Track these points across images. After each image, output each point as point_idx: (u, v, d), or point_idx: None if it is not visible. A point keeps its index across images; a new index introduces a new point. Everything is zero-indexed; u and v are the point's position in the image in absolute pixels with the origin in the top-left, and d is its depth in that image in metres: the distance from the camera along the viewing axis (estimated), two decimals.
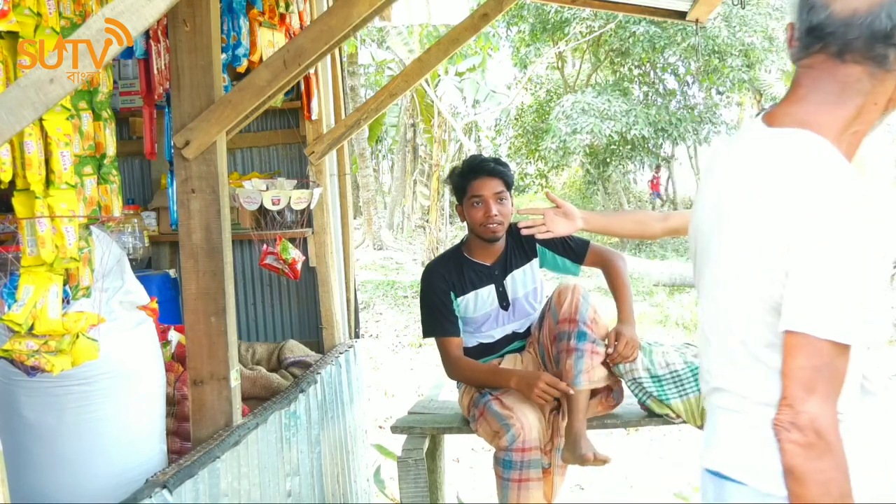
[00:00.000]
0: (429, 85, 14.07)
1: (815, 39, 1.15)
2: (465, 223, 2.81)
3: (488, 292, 2.77)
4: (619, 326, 2.63)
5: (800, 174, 1.11)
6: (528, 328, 2.83)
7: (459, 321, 2.79)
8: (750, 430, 1.18)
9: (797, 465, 1.07)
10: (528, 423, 2.49)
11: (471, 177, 2.72)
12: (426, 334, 2.82)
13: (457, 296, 2.77)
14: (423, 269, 2.92)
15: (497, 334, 2.81)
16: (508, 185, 2.73)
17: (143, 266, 4.07)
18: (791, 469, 1.08)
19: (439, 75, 14.67)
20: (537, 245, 2.79)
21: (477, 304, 2.77)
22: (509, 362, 2.79)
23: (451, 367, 2.76)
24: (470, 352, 2.83)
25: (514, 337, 2.82)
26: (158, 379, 2.31)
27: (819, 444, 1.06)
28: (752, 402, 1.18)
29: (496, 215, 2.68)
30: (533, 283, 2.82)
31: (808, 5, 1.16)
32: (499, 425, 2.55)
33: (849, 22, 1.12)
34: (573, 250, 2.81)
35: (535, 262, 2.83)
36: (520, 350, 2.83)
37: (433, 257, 16.31)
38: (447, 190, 16.94)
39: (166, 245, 4.20)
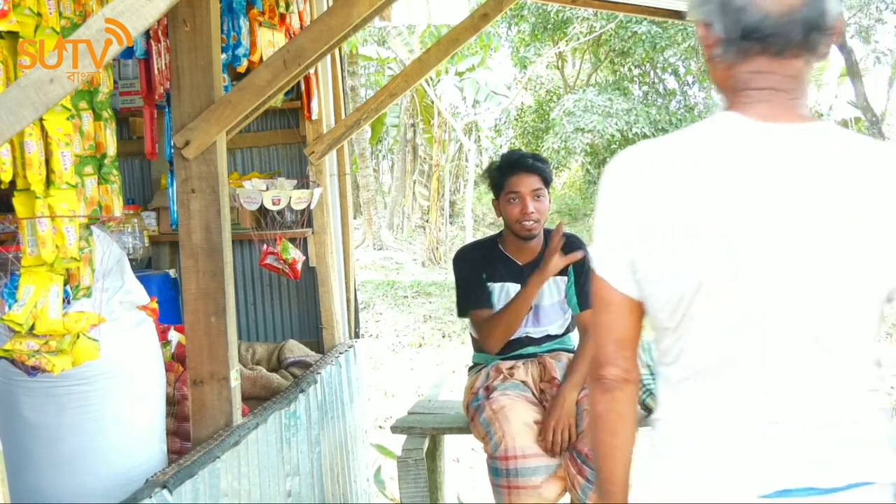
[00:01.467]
0: (429, 85, 14.07)
1: (754, 42, 1.11)
2: (489, 219, 2.79)
3: (513, 290, 2.70)
4: (564, 388, 2.54)
5: (884, 162, 1.10)
6: (545, 336, 2.78)
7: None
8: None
9: None
10: (511, 430, 2.45)
11: (509, 172, 2.66)
12: (461, 312, 2.73)
13: (486, 280, 2.72)
14: (455, 254, 2.87)
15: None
16: (546, 182, 2.66)
17: (143, 266, 4.07)
18: None
19: (440, 74, 14.67)
20: (572, 266, 2.65)
21: (501, 297, 2.70)
22: (521, 371, 2.72)
23: (489, 335, 2.62)
24: (480, 346, 2.80)
25: (528, 341, 2.77)
26: (158, 379, 2.31)
27: None
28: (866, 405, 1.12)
29: (533, 212, 2.61)
30: (559, 296, 2.76)
31: (733, 6, 1.10)
32: (484, 432, 2.55)
33: (787, 19, 1.08)
34: (585, 297, 2.72)
35: (565, 279, 2.74)
36: (531, 357, 2.76)
37: (433, 257, 16.30)
38: (447, 190, 16.96)
39: (166, 245, 4.20)
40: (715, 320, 1.10)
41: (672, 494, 1.13)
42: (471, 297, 2.69)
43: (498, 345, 2.64)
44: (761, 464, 1.09)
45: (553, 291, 2.76)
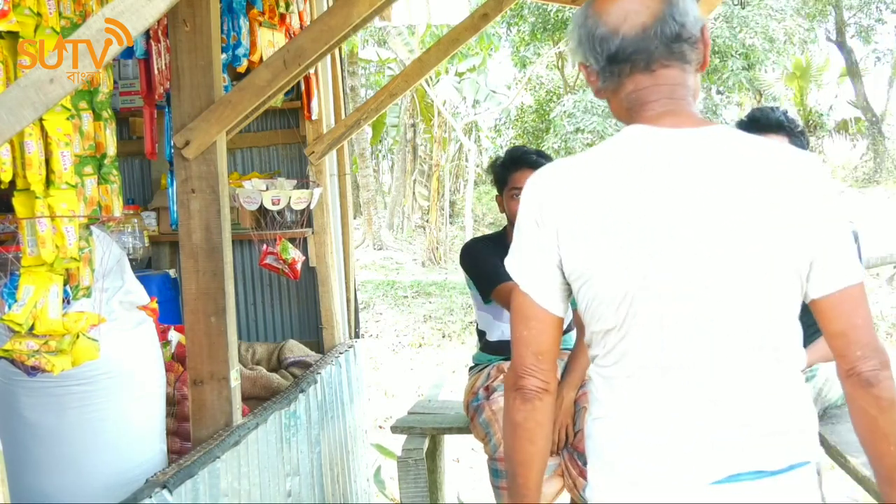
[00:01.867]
0: (429, 85, 14.07)
1: (621, 63, 1.21)
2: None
3: None
4: (562, 386, 2.52)
5: (782, 163, 1.18)
6: None
7: (490, 305, 2.72)
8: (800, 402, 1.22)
9: (885, 409, 1.17)
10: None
11: (512, 168, 2.66)
12: (487, 295, 2.66)
13: None
14: (461, 249, 2.83)
15: None
16: None
17: (143, 266, 4.07)
18: (889, 408, 1.17)
19: (440, 74, 14.67)
20: None
21: None
22: None
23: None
24: (491, 346, 2.80)
25: None
26: (158, 379, 2.31)
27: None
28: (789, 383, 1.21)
29: None
30: None
31: (595, 39, 1.22)
32: (484, 433, 2.55)
33: (643, 37, 1.19)
34: None
35: None
36: None
37: (433, 257, 16.28)
38: (447, 190, 16.96)
39: (166, 245, 4.20)
40: (661, 323, 1.16)
41: (624, 486, 1.19)
42: (492, 276, 2.61)
43: None
44: (710, 452, 1.16)
45: None
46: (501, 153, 3.02)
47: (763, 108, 2.56)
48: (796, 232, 1.15)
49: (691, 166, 1.16)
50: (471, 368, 2.92)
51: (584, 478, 2.40)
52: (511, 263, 1.27)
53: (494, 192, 2.83)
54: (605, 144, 1.23)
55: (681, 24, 1.20)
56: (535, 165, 2.61)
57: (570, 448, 2.46)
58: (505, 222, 2.81)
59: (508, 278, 2.56)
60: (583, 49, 1.26)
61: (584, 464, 2.41)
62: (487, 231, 17.57)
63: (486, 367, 2.80)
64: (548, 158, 2.70)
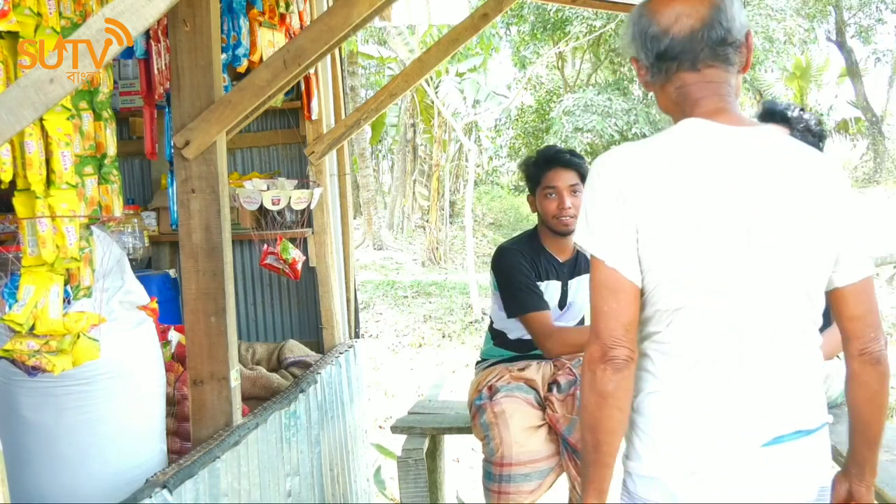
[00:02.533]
0: (429, 85, 14.07)
1: (669, 61, 1.33)
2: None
3: (554, 287, 2.69)
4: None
5: (818, 165, 1.33)
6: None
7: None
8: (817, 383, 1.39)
9: (884, 382, 1.38)
10: (508, 438, 2.44)
11: (545, 167, 2.64)
12: (513, 313, 2.64)
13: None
14: (496, 252, 2.77)
15: None
16: (583, 177, 2.60)
17: (143, 266, 4.07)
18: (887, 382, 1.38)
19: (441, 74, 14.66)
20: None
21: (545, 296, 2.66)
22: (532, 370, 2.66)
23: (554, 342, 2.54)
24: (510, 343, 2.76)
25: None
26: (158, 379, 2.31)
27: None
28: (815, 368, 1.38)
29: (569, 208, 2.59)
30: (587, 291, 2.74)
31: (647, 37, 1.34)
32: (483, 434, 2.53)
33: (690, 38, 1.31)
34: None
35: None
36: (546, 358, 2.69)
37: (433, 257, 16.22)
38: (447, 190, 16.95)
39: (166, 245, 4.20)
40: (718, 308, 1.29)
41: (680, 455, 1.31)
42: (525, 300, 2.60)
43: (560, 354, 2.59)
44: (758, 419, 1.31)
45: (584, 286, 2.74)
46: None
47: (776, 101, 2.59)
48: (832, 229, 1.31)
49: (749, 165, 1.29)
50: (478, 363, 2.88)
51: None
52: (590, 240, 1.33)
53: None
54: (669, 135, 1.33)
55: (727, 30, 1.31)
56: (568, 164, 2.62)
57: (572, 450, 2.45)
58: (523, 224, 2.79)
59: (542, 306, 2.57)
60: (635, 45, 1.37)
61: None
62: (488, 232, 17.58)
63: (496, 362, 2.76)
64: (580, 157, 2.68)
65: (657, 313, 1.32)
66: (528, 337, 2.68)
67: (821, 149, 2.48)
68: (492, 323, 2.85)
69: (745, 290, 1.29)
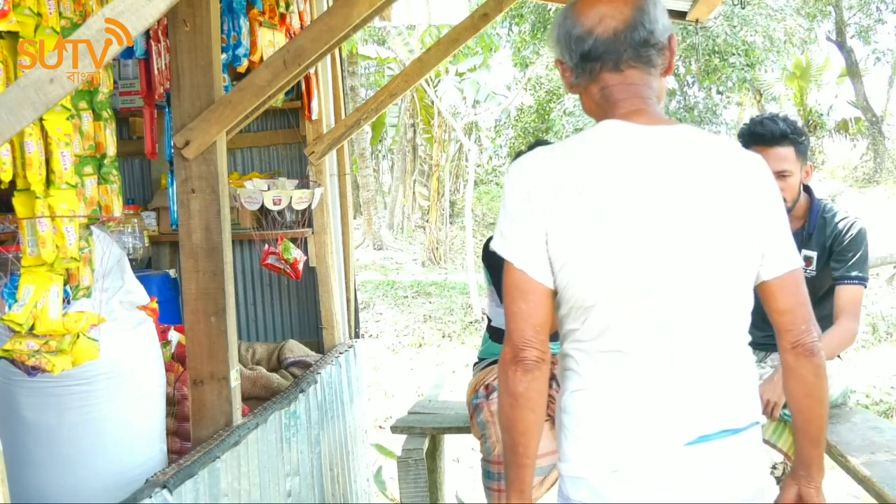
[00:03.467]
0: (429, 85, 14.07)
1: (592, 62, 1.34)
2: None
3: None
4: None
5: (738, 159, 1.34)
6: None
7: None
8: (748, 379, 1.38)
9: (821, 375, 1.38)
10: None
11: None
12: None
13: None
14: (484, 245, 2.69)
15: None
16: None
17: (143, 266, 4.07)
18: (824, 375, 1.38)
19: (441, 74, 14.66)
20: None
21: None
22: None
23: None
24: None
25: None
26: (158, 379, 2.30)
27: None
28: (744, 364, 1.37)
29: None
30: None
31: (571, 38, 1.35)
32: (480, 433, 2.54)
33: (613, 40, 1.32)
34: None
35: None
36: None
37: (433, 257, 16.19)
38: (447, 190, 16.95)
39: (166, 245, 4.20)
40: (637, 306, 1.28)
41: (605, 453, 1.30)
42: None
43: None
44: (682, 417, 1.30)
45: None
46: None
47: (764, 121, 2.49)
48: (754, 223, 1.31)
49: (662, 162, 1.29)
50: (475, 364, 2.88)
51: None
52: (501, 244, 1.34)
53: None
54: (584, 136, 1.34)
55: (650, 31, 1.32)
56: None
57: None
58: None
59: None
60: (560, 46, 1.39)
61: None
62: (488, 231, 17.56)
63: (494, 361, 2.77)
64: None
65: (571, 311, 1.32)
66: None
67: (807, 147, 2.47)
68: (490, 321, 2.85)
69: (663, 287, 1.28)
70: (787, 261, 1.35)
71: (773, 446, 2.39)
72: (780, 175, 2.39)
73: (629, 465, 1.29)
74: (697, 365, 1.31)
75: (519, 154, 2.75)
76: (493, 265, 2.68)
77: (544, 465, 2.47)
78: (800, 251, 2.57)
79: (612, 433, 1.30)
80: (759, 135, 2.45)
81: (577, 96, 1.44)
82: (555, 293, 1.33)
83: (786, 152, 2.42)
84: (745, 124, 2.57)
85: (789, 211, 2.47)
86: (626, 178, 1.28)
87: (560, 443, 1.37)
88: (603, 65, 1.34)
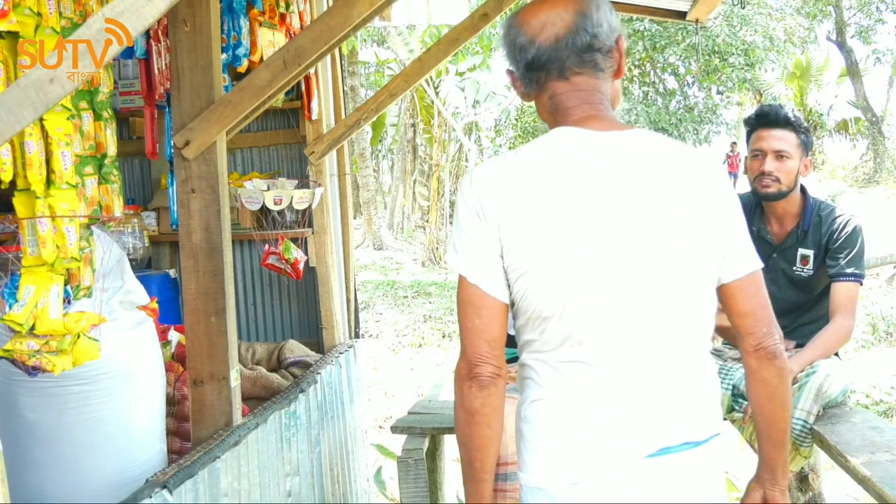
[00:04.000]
0: (429, 85, 14.07)
1: (538, 70, 1.33)
2: None
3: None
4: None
5: (694, 162, 1.31)
6: None
7: None
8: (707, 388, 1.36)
9: (788, 371, 1.37)
10: (505, 438, 2.42)
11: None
12: None
13: None
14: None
15: None
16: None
17: (143, 266, 4.07)
18: (787, 377, 1.38)
19: (441, 74, 14.66)
20: None
21: None
22: None
23: None
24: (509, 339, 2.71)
25: None
26: (158, 379, 2.31)
27: None
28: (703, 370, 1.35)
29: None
30: None
31: (516, 48, 1.33)
32: None
33: (555, 47, 1.30)
34: None
35: None
36: None
37: (433, 257, 16.17)
38: (447, 190, 16.94)
39: (166, 245, 4.20)
40: (594, 315, 1.25)
41: (564, 463, 1.28)
42: None
43: None
44: (643, 429, 1.27)
45: None
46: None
47: (771, 104, 2.61)
48: (712, 225, 1.29)
49: (617, 168, 1.27)
50: None
51: None
52: (454, 258, 1.32)
53: None
54: (536, 144, 1.32)
55: (593, 35, 1.30)
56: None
57: None
58: None
59: None
60: (508, 57, 1.37)
61: None
62: None
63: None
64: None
65: (529, 322, 1.30)
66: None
67: (811, 144, 2.54)
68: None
69: (623, 295, 1.25)
70: (746, 263, 1.33)
71: (753, 447, 2.40)
72: (779, 155, 2.47)
73: (589, 477, 1.27)
74: (659, 375, 1.28)
75: (748, 119, 2.65)
76: None
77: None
78: (796, 250, 2.58)
79: (573, 444, 1.28)
80: (765, 114, 2.52)
81: None
82: (511, 305, 1.30)
83: (787, 135, 2.48)
84: (765, 106, 2.65)
85: (783, 197, 2.51)
86: (582, 186, 1.25)
87: (520, 452, 1.36)
88: (548, 73, 1.32)
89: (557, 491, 1.28)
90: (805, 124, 2.55)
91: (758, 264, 1.35)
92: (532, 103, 1.47)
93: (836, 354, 2.58)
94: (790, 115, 2.51)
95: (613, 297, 1.25)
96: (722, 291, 1.34)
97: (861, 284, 2.51)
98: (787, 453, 1.45)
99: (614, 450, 1.27)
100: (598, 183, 1.25)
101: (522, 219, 1.25)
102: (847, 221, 2.52)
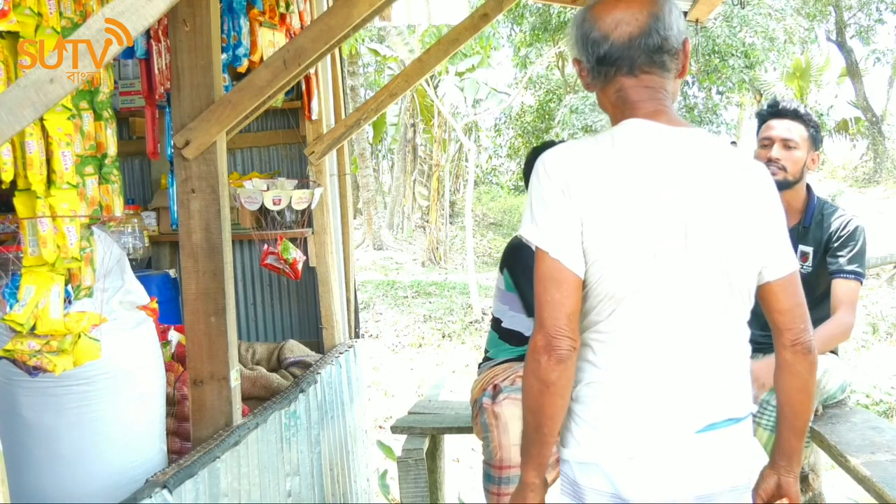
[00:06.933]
0: (429, 85, 14.07)
1: (608, 65, 1.39)
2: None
3: None
4: None
5: (749, 166, 1.42)
6: None
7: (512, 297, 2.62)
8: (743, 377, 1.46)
9: (814, 371, 1.47)
10: (507, 442, 2.43)
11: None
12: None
13: None
14: (512, 247, 2.63)
15: None
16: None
17: (143, 266, 4.07)
18: (816, 371, 1.47)
19: (441, 74, 14.65)
20: None
21: None
22: None
23: None
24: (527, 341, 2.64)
25: None
26: (158, 379, 2.31)
27: None
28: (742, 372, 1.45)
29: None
30: None
31: (588, 41, 1.40)
32: (483, 434, 2.52)
33: (628, 45, 1.37)
34: None
35: None
36: None
37: (433, 257, 16.12)
38: (447, 190, 16.94)
39: (166, 245, 4.20)
40: (658, 300, 1.34)
41: (625, 437, 1.37)
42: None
43: None
44: (694, 406, 1.37)
45: None
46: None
47: (784, 98, 2.75)
48: (760, 226, 1.39)
49: (687, 163, 1.36)
50: (482, 363, 2.78)
51: None
52: (535, 232, 1.37)
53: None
54: (613, 133, 1.39)
55: (664, 38, 1.37)
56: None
57: None
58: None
59: None
60: (577, 47, 1.44)
61: None
62: (488, 232, 17.57)
63: (504, 361, 2.67)
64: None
65: (600, 303, 1.36)
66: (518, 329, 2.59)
67: (819, 140, 2.63)
68: (500, 322, 2.74)
69: (684, 283, 1.34)
70: (787, 263, 1.43)
71: None
72: (786, 144, 2.54)
73: (644, 452, 1.36)
74: (708, 357, 1.38)
75: (537, 150, 2.66)
76: (520, 267, 2.59)
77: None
78: (796, 247, 2.59)
79: (630, 421, 1.37)
80: (776, 104, 2.61)
81: (583, 94, 1.47)
82: (584, 284, 1.36)
83: (796, 126, 2.55)
84: (778, 97, 2.75)
85: (789, 187, 2.54)
86: (658, 177, 1.33)
87: (569, 431, 1.42)
88: (618, 69, 1.39)
89: (611, 465, 1.37)
90: (815, 120, 2.60)
91: (796, 265, 1.45)
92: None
93: (835, 353, 2.58)
94: (802, 109, 2.58)
95: (680, 283, 1.34)
96: (764, 289, 1.44)
97: (861, 283, 2.51)
98: (803, 444, 1.54)
99: (668, 426, 1.36)
100: (672, 175, 1.34)
101: (604, 202, 1.32)
102: (849, 221, 2.54)
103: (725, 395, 1.40)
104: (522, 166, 2.75)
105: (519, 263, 2.63)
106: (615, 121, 1.42)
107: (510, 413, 2.47)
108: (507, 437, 2.44)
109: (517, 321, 2.70)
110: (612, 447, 1.37)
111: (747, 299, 1.42)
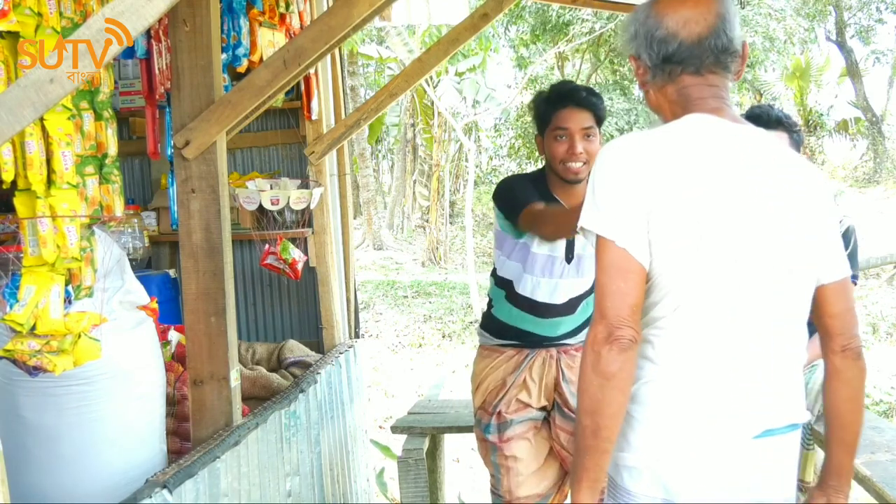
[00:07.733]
0: (429, 85, 14.07)
1: (675, 65, 1.37)
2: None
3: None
4: None
5: (808, 168, 1.42)
6: (580, 296, 2.43)
7: (518, 250, 2.41)
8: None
9: (864, 380, 1.43)
10: (516, 482, 2.41)
11: (558, 105, 2.33)
12: (516, 220, 2.32)
13: None
14: (499, 183, 2.47)
15: (547, 290, 2.40)
16: (599, 120, 2.36)
17: (143, 266, 4.07)
18: (865, 380, 1.43)
19: (441, 74, 14.65)
20: None
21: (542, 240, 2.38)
22: (536, 377, 2.44)
23: (544, 225, 2.26)
24: (518, 299, 2.43)
25: (567, 308, 2.42)
26: (158, 379, 2.30)
27: None
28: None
29: (581, 153, 2.29)
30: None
31: (653, 39, 1.37)
32: (492, 468, 2.47)
33: (697, 45, 1.35)
34: None
35: None
36: (546, 347, 2.46)
37: (433, 257, 16.09)
38: (447, 190, 16.94)
39: (166, 245, 4.20)
40: (722, 301, 1.31)
41: (682, 441, 1.33)
42: (519, 200, 2.31)
43: (558, 235, 2.30)
44: (752, 412, 1.34)
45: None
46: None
47: (762, 105, 2.69)
48: (817, 228, 1.38)
49: (752, 159, 1.34)
50: (483, 316, 2.60)
51: None
52: (599, 222, 1.32)
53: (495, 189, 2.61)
54: (678, 126, 1.37)
55: (730, 39, 1.37)
56: (582, 104, 2.34)
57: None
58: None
59: (535, 200, 2.27)
60: (637, 43, 1.40)
61: None
62: (488, 231, 17.54)
63: (499, 356, 2.49)
64: (598, 97, 2.40)
65: (665, 297, 1.32)
66: (536, 298, 2.42)
67: (801, 139, 2.65)
68: (495, 270, 2.56)
69: (749, 283, 1.31)
70: (842, 267, 1.41)
71: None
72: None
73: (700, 456, 1.32)
74: (769, 361, 1.35)
75: (538, 95, 2.47)
76: (502, 197, 2.42)
77: (550, 492, 2.46)
78: None
79: (686, 424, 1.33)
80: (757, 116, 2.54)
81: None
82: (648, 277, 1.33)
83: (780, 136, 2.51)
84: (755, 107, 2.71)
85: None
86: (725, 172, 1.31)
87: (623, 434, 1.36)
88: (684, 68, 1.37)
89: (667, 471, 1.33)
90: (795, 123, 2.62)
91: (850, 271, 1.44)
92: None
93: None
94: (780, 115, 2.58)
95: (748, 283, 1.32)
96: (818, 292, 1.41)
97: (854, 285, 2.51)
98: (854, 461, 1.47)
99: (727, 430, 1.33)
100: (738, 171, 1.32)
101: (672, 195, 1.29)
102: (839, 221, 2.52)
103: (784, 400, 1.37)
104: (530, 108, 2.62)
105: (501, 190, 2.45)
106: (668, 118, 1.40)
107: (520, 453, 2.42)
108: (518, 477, 2.42)
109: (507, 268, 2.49)
110: (668, 451, 1.33)
111: (808, 302, 1.40)
